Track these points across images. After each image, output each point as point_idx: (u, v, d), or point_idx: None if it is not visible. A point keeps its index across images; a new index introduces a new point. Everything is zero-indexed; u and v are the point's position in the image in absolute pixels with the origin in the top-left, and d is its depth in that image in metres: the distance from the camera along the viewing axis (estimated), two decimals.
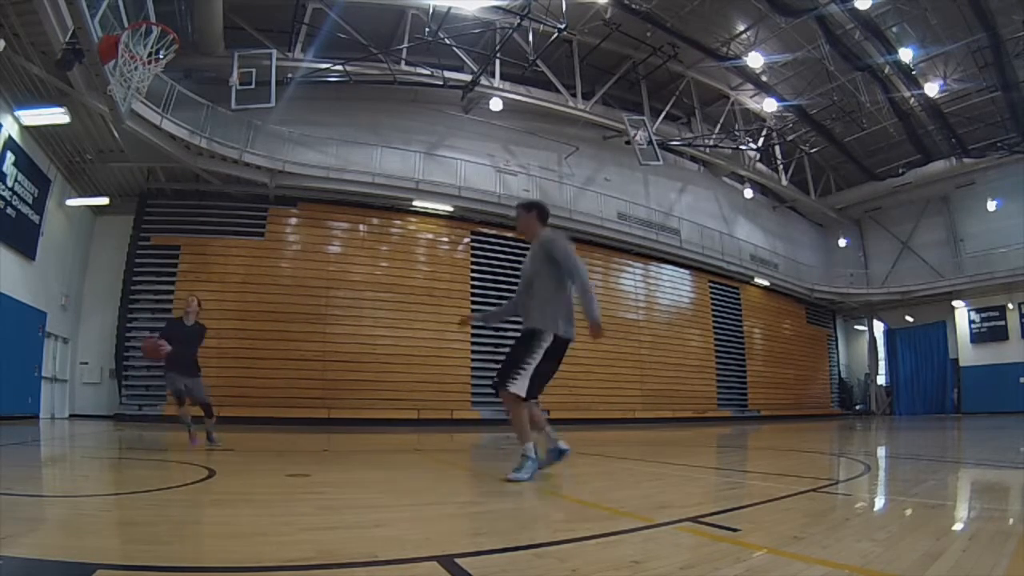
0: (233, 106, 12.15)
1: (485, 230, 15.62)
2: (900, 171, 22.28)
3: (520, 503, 3.29)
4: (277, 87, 12.46)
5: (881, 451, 6.94)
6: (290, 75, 13.91)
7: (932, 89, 17.53)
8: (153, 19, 8.75)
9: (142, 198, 13.31)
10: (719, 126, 20.41)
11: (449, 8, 14.22)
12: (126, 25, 8.24)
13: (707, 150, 20.52)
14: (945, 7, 15.13)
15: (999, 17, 14.88)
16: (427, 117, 16.10)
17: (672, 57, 17.55)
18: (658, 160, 16.64)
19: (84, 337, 13.04)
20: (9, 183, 9.83)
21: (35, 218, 10.85)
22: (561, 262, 3.73)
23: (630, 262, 18.13)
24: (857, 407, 25.04)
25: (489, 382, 15.60)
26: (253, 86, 12.14)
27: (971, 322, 21.66)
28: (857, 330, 26.58)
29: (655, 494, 3.52)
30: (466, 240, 15.43)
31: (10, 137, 9.75)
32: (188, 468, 4.22)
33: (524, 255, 15.45)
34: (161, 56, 8.32)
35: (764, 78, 18.91)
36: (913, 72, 17.27)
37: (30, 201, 10.58)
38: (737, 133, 20.70)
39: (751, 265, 21.29)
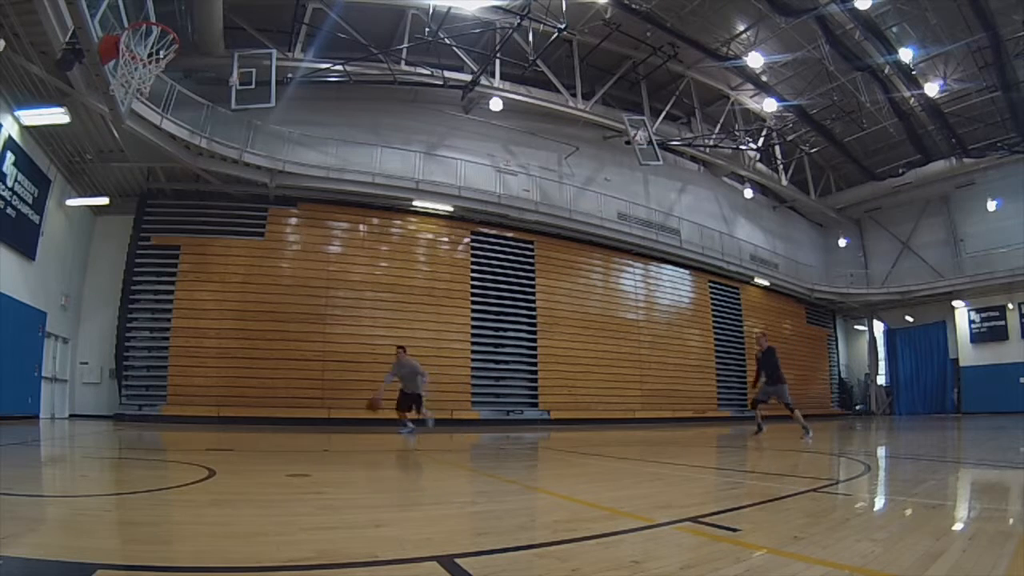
0: (233, 106, 12.14)
1: (485, 230, 15.61)
2: (900, 171, 22.28)
3: (520, 503, 3.30)
4: (277, 87, 12.44)
5: (881, 451, 6.95)
6: (290, 75, 13.91)
7: (932, 89, 17.52)
8: (153, 19, 8.73)
9: (142, 198, 13.31)
10: (719, 126, 20.41)
11: (449, 8, 14.21)
12: (126, 25, 8.23)
13: (707, 150, 20.51)
14: (945, 7, 15.12)
15: (999, 17, 14.88)
16: (427, 117, 16.09)
17: (672, 57, 17.55)
18: (658, 160, 16.63)
19: (84, 337, 13.03)
20: (9, 183, 9.82)
21: (35, 218, 10.84)
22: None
23: (630, 262, 18.13)
24: (857, 407, 25.04)
25: (489, 382, 15.53)
26: (253, 86, 12.12)
27: (971, 322, 21.66)
28: (857, 330, 26.58)
29: (655, 494, 3.52)
30: (466, 240, 15.42)
31: (10, 137, 9.75)
32: (188, 468, 4.22)
33: (524, 255, 15.42)
34: (161, 56, 8.31)
35: (764, 78, 18.90)
36: (913, 72, 17.27)
37: (30, 201, 10.57)
38: (737, 133, 20.69)
39: (751, 265, 21.29)
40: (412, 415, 9.75)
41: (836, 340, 25.71)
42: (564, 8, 14.49)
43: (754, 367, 9.82)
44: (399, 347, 10.10)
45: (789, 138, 21.53)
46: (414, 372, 9.71)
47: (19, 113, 9.76)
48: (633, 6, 15.28)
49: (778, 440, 9.07)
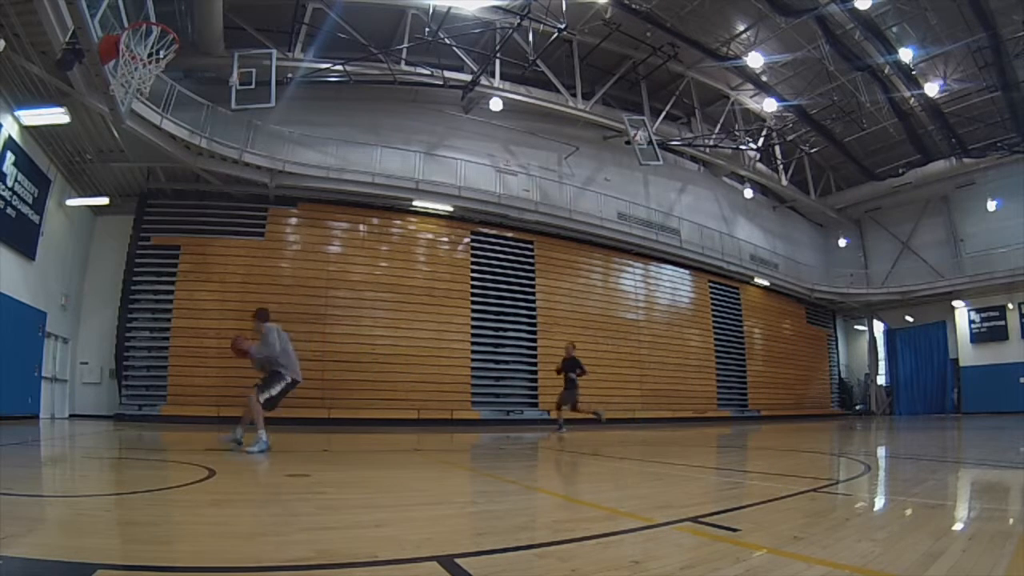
0: (233, 106, 12.13)
1: (485, 230, 15.61)
2: (900, 171, 22.27)
3: (520, 503, 3.30)
4: (277, 87, 12.43)
5: (881, 451, 6.94)
6: (290, 75, 13.91)
7: (932, 89, 17.52)
8: (153, 19, 8.74)
9: (142, 198, 13.31)
10: (719, 126, 20.40)
11: (449, 8, 14.21)
12: (126, 25, 8.24)
13: (707, 150, 20.52)
14: (945, 7, 15.12)
15: (999, 17, 14.88)
16: (427, 117, 16.10)
17: (672, 57, 17.55)
18: (658, 160, 16.63)
19: (84, 337, 13.03)
20: (9, 183, 9.82)
21: (35, 218, 10.84)
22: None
23: (630, 262, 18.13)
24: (857, 407, 25.04)
25: (489, 382, 15.18)
26: (253, 86, 12.11)
27: (971, 322, 21.66)
28: (857, 330, 26.58)
29: (655, 494, 3.52)
30: (466, 240, 15.42)
31: (10, 137, 9.74)
32: (188, 468, 4.23)
33: (524, 255, 15.18)
34: (161, 56, 8.32)
35: (764, 78, 18.90)
36: (913, 72, 17.27)
37: (30, 201, 10.57)
38: (737, 133, 20.70)
39: (751, 265, 21.29)
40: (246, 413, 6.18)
41: (836, 340, 25.71)
42: (564, 8, 14.48)
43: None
44: (260, 310, 6.74)
45: (789, 138, 21.53)
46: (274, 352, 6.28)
47: (19, 113, 9.76)
48: (633, 6, 15.28)
49: (778, 440, 9.07)
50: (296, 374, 6.31)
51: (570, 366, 11.16)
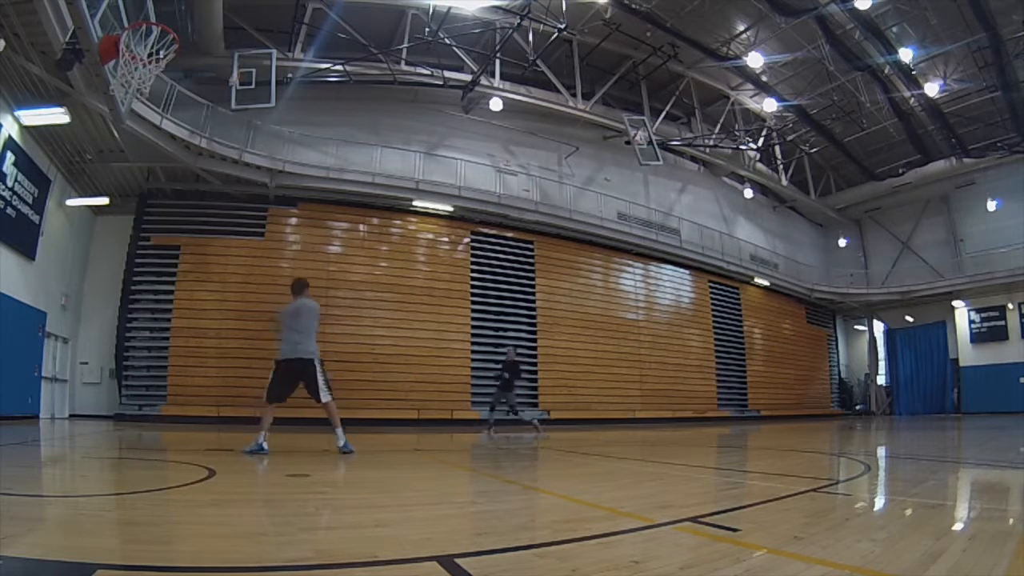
0: (233, 106, 12.13)
1: (485, 230, 15.62)
2: (900, 171, 22.29)
3: (520, 503, 3.30)
4: (277, 87, 12.43)
5: (881, 451, 6.94)
6: (290, 75, 13.91)
7: (932, 89, 17.53)
8: (153, 19, 8.74)
9: (142, 198, 13.31)
10: (719, 126, 20.40)
11: (449, 8, 14.21)
12: (126, 25, 8.23)
13: (707, 150, 20.52)
14: (945, 7, 15.13)
15: (999, 17, 14.88)
16: (427, 117, 16.10)
17: (672, 57, 17.55)
18: (658, 160, 16.62)
19: (84, 337, 13.04)
20: (9, 183, 9.82)
21: (35, 218, 10.84)
22: None
23: (630, 262, 18.13)
24: (857, 407, 25.05)
25: (489, 382, 14.88)
26: (253, 86, 12.11)
27: (971, 322, 21.66)
28: (857, 330, 26.59)
29: (655, 494, 3.52)
30: (466, 240, 15.42)
31: (10, 137, 9.75)
32: (188, 468, 4.22)
33: (524, 255, 14.93)
34: (161, 56, 8.31)
35: (764, 78, 18.90)
36: (913, 72, 17.27)
37: (30, 201, 10.57)
38: (737, 133, 20.69)
39: (751, 265, 21.29)
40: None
41: (836, 340, 25.72)
42: (564, 8, 14.49)
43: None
44: (295, 282, 6.29)
45: (789, 138, 21.53)
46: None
47: (19, 113, 9.76)
48: (633, 6, 15.28)
49: (778, 440, 9.08)
50: (283, 352, 6.14)
51: (509, 369, 11.20)
